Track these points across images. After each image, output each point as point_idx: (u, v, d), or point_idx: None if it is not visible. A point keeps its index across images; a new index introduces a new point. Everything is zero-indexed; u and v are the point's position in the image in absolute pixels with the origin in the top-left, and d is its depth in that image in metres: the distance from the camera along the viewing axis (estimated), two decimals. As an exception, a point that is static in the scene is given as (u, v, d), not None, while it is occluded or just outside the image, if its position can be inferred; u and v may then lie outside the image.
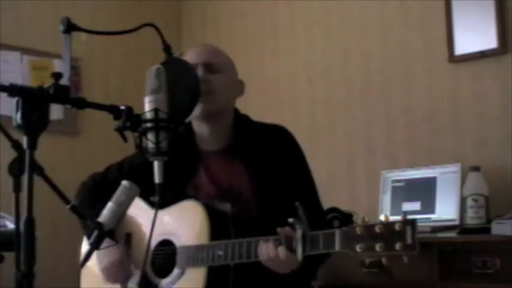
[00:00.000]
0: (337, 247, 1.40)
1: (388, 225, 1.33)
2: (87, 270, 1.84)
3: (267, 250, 1.52)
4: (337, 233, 1.41)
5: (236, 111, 1.89)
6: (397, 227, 1.32)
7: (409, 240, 1.30)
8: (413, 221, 1.32)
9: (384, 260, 1.35)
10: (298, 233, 1.45)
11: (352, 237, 1.38)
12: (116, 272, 1.77)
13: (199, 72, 1.76)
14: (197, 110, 1.75)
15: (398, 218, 1.35)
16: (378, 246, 1.33)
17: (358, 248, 1.36)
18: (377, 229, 1.34)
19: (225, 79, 1.81)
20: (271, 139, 1.83)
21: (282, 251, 1.50)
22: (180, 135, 1.55)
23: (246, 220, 1.71)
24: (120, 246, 1.76)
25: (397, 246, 1.30)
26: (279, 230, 1.52)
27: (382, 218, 1.36)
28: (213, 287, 1.62)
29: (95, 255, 1.73)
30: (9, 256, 1.39)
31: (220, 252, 1.60)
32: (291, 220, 1.45)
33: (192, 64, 1.65)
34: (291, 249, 1.48)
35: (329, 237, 1.42)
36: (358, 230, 1.37)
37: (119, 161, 1.99)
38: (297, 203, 1.44)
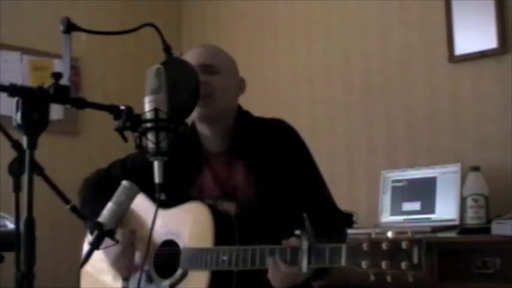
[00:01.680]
0: (342, 262, 1.39)
1: (395, 242, 1.31)
2: (87, 270, 1.84)
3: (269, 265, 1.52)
4: (343, 247, 1.39)
5: (239, 108, 1.88)
6: (404, 245, 1.29)
7: (415, 260, 1.27)
8: (421, 241, 1.29)
9: (388, 278, 1.33)
10: (304, 245, 1.44)
11: (358, 252, 1.35)
12: (127, 257, 1.76)
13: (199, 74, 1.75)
14: (196, 113, 1.74)
15: (406, 226, 1.32)
16: (383, 264, 1.31)
17: (363, 264, 1.34)
18: (384, 246, 1.32)
19: (224, 80, 1.80)
20: (272, 136, 1.81)
21: (281, 264, 1.49)
22: (185, 137, 1.55)
23: (250, 221, 1.71)
24: (123, 233, 1.75)
25: (403, 265, 1.28)
26: (284, 243, 1.51)
27: (389, 234, 1.34)
28: None
29: (101, 254, 1.74)
30: (9, 256, 1.39)
31: (224, 258, 1.59)
32: (297, 232, 1.44)
33: (192, 64, 1.65)
34: (296, 261, 1.47)
35: (335, 251, 1.41)
36: (364, 246, 1.35)
37: (122, 158, 1.99)
38: (304, 215, 1.42)
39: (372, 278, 1.36)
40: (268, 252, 1.52)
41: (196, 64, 1.75)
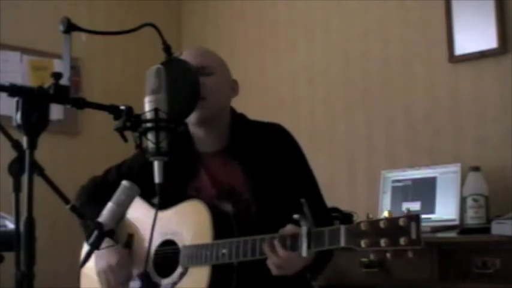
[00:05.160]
0: (342, 243, 1.41)
1: (392, 220, 1.34)
2: (87, 270, 1.84)
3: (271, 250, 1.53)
4: (342, 228, 1.42)
5: (233, 111, 1.89)
6: (401, 222, 1.33)
7: (413, 235, 1.31)
8: (418, 216, 1.33)
9: (388, 256, 1.35)
10: (304, 230, 1.46)
11: (356, 232, 1.38)
12: (114, 275, 1.75)
13: None
14: (191, 116, 1.74)
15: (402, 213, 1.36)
16: (382, 242, 1.33)
17: (363, 243, 1.37)
18: (381, 224, 1.35)
19: (217, 81, 1.80)
20: (268, 138, 1.83)
21: (278, 247, 1.51)
22: (178, 138, 1.56)
23: (247, 220, 1.72)
24: (120, 248, 1.76)
25: (402, 241, 1.31)
26: (280, 231, 1.52)
27: (386, 213, 1.37)
28: (216, 286, 1.62)
29: (93, 257, 1.74)
30: (9, 256, 1.39)
31: (224, 251, 1.60)
32: (296, 216, 1.46)
33: (192, 64, 1.65)
34: (296, 247, 1.48)
35: (334, 233, 1.43)
36: (362, 226, 1.38)
37: (118, 163, 1.99)
38: (302, 200, 1.44)
39: (372, 256, 1.39)
40: (268, 240, 1.53)
41: None
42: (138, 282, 1.75)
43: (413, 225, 1.32)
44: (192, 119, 1.76)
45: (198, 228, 1.69)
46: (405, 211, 1.35)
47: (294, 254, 1.49)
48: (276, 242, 1.52)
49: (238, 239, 1.59)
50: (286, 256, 1.50)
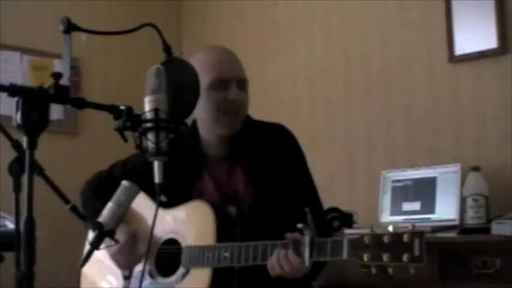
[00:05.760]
0: (344, 255, 1.41)
1: (396, 235, 1.33)
2: (87, 270, 1.84)
3: (277, 253, 1.52)
4: (345, 241, 1.41)
5: None
6: (405, 238, 1.32)
7: (416, 252, 1.30)
8: (422, 233, 1.32)
9: (390, 270, 1.35)
10: (306, 239, 1.46)
11: (359, 246, 1.38)
12: (126, 253, 1.76)
13: (234, 90, 1.76)
14: (223, 130, 1.76)
15: (406, 225, 1.35)
16: (385, 257, 1.33)
17: (365, 257, 1.36)
18: (385, 239, 1.34)
19: (248, 96, 1.83)
20: (271, 140, 1.83)
21: (291, 254, 1.50)
22: (185, 139, 1.55)
23: (250, 224, 1.72)
24: (125, 229, 1.76)
25: (405, 257, 1.31)
26: (287, 235, 1.52)
27: (390, 228, 1.36)
28: None
29: (101, 253, 1.73)
30: (9, 256, 1.39)
31: (226, 254, 1.60)
32: (300, 225, 1.45)
33: (227, 76, 1.67)
34: (299, 255, 1.48)
35: (337, 244, 1.42)
36: (366, 239, 1.37)
37: (123, 159, 1.99)
38: (306, 209, 1.44)
39: (374, 270, 1.38)
40: (270, 247, 1.53)
41: (233, 77, 1.76)
42: (138, 281, 1.75)
43: (416, 242, 1.31)
44: (223, 132, 1.78)
45: (201, 229, 1.69)
46: (411, 226, 1.35)
47: (300, 259, 1.49)
48: (290, 250, 1.51)
49: (241, 244, 1.59)
50: (294, 261, 1.50)
